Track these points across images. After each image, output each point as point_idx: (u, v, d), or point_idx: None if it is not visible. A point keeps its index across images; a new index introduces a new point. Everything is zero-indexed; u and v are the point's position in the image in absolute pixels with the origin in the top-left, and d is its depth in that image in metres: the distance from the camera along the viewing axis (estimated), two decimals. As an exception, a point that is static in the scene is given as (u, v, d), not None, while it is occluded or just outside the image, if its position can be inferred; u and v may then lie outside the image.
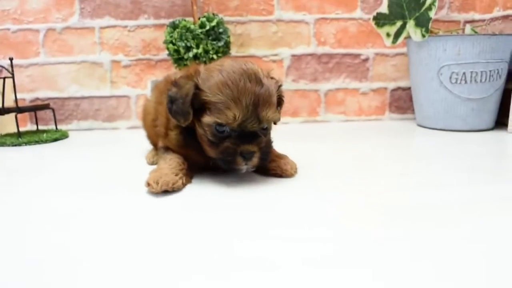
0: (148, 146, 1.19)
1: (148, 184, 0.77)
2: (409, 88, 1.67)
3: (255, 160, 0.78)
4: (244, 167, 0.79)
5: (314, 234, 0.57)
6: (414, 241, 0.54)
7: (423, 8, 1.35)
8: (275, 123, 0.87)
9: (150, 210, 0.70)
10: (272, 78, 0.83)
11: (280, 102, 0.87)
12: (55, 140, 1.43)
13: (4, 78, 1.39)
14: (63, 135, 1.48)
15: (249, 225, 0.61)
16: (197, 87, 0.78)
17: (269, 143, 0.83)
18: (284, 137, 0.88)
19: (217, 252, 0.52)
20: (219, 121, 0.76)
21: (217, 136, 0.78)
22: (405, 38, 1.43)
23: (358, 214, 0.65)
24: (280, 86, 0.85)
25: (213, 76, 0.77)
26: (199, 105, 0.79)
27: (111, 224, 0.63)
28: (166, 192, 0.77)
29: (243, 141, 0.77)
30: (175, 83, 0.82)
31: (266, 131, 0.81)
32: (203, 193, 0.78)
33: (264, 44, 1.63)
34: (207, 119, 0.77)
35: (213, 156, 0.81)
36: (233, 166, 0.79)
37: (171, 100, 0.81)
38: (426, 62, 1.40)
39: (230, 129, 0.77)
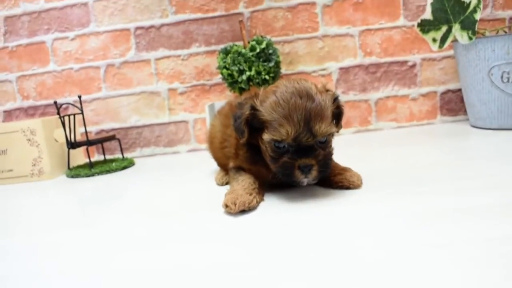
0: (211, 167, 1.26)
1: (226, 206, 0.82)
2: (459, 90, 1.68)
3: (314, 173, 0.82)
4: (304, 180, 0.83)
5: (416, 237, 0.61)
6: (494, 241, 0.57)
7: (468, 11, 1.37)
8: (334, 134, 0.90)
9: (232, 229, 0.75)
10: (328, 91, 0.87)
11: (339, 113, 0.90)
12: (124, 168, 1.53)
13: (74, 115, 1.50)
14: (130, 163, 1.58)
15: (333, 236, 0.66)
16: (254, 108, 0.85)
17: (328, 155, 0.86)
18: (339, 148, 0.92)
19: (314, 260, 0.57)
20: (275, 138, 0.82)
21: (276, 152, 0.84)
22: (452, 41, 1.44)
23: (441, 218, 0.67)
24: (336, 98, 0.88)
25: (269, 97, 0.84)
26: (258, 124, 0.86)
27: (199, 244, 0.69)
28: (242, 211, 0.82)
29: (300, 155, 0.81)
30: (239, 104, 0.90)
31: (325, 144, 0.84)
32: (277, 210, 0.82)
33: (312, 60, 1.68)
34: (266, 136, 0.84)
35: (274, 170, 0.87)
36: (293, 179, 0.83)
37: (234, 119, 0.89)
38: (475, 63, 1.41)
39: (287, 144, 0.82)
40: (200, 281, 0.55)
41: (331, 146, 0.88)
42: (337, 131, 0.90)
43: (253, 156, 0.93)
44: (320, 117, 0.81)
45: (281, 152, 0.84)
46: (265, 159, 0.89)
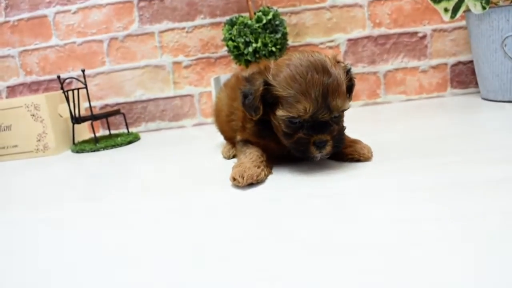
0: (218, 141, 1.24)
1: (234, 179, 0.80)
2: (470, 62, 1.64)
3: (328, 148, 0.81)
4: (318, 155, 0.81)
5: (417, 213, 0.60)
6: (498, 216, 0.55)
7: (482, -21, 1.32)
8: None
9: (240, 203, 0.73)
10: (338, 62, 0.84)
11: (351, 85, 0.88)
12: (129, 143, 1.51)
13: (78, 89, 1.48)
14: (136, 138, 1.56)
15: (343, 210, 0.64)
16: (267, 83, 0.81)
17: (342, 130, 0.84)
18: (346, 121, 0.90)
19: (316, 235, 0.56)
20: (291, 114, 0.79)
21: (290, 127, 0.82)
22: (464, 11, 1.40)
23: (452, 192, 0.66)
24: (349, 70, 0.86)
25: (282, 71, 0.80)
26: (272, 99, 0.82)
27: (206, 218, 0.68)
28: (251, 184, 0.81)
29: (315, 131, 0.79)
30: (247, 79, 0.86)
31: (338, 118, 0.82)
32: (286, 183, 0.81)
33: (320, 31, 1.64)
34: (280, 112, 0.81)
35: (287, 145, 0.85)
36: (307, 155, 0.82)
37: (244, 95, 0.85)
38: (488, 34, 1.37)
39: (303, 120, 0.80)
40: (207, 255, 0.54)
41: (343, 120, 0.86)
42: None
43: (261, 130, 0.90)
44: (337, 92, 0.78)
45: (296, 128, 0.81)
46: (277, 134, 0.87)
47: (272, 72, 0.82)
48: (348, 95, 0.87)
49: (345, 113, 0.86)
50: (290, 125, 0.81)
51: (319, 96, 0.77)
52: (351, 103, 0.89)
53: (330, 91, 0.77)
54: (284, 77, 0.79)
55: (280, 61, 0.84)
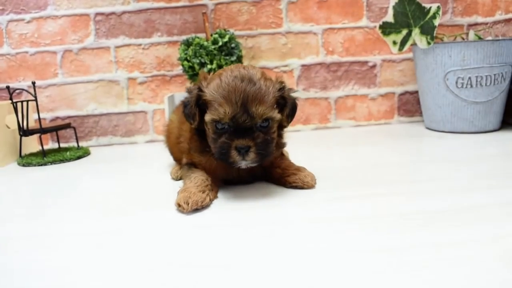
0: (168, 159, 1.24)
1: (179, 205, 0.82)
2: (416, 92, 1.72)
3: (251, 155, 0.83)
4: (242, 162, 0.84)
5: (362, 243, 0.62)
6: (439, 247, 0.59)
7: (428, 17, 1.40)
8: (283, 126, 0.94)
9: (183, 227, 0.74)
10: (280, 82, 0.90)
11: (285, 104, 0.91)
12: (78, 157, 1.48)
13: (28, 101, 1.45)
14: (86, 153, 1.54)
15: (282, 238, 0.66)
16: (201, 90, 0.88)
17: (269, 140, 0.86)
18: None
19: (260, 263, 0.57)
20: (214, 117, 0.84)
21: (216, 133, 0.86)
22: (411, 44, 1.47)
23: (389, 223, 0.69)
24: (282, 88, 0.89)
25: (214, 79, 0.86)
26: (203, 106, 0.88)
27: (149, 244, 0.68)
28: (196, 209, 0.82)
29: (237, 136, 0.83)
30: (188, 91, 0.92)
31: (267, 128, 0.86)
32: (231, 208, 0.83)
33: (275, 55, 1.69)
34: (207, 117, 0.86)
35: (213, 151, 0.88)
36: (229, 160, 0.84)
37: (184, 105, 0.91)
38: (432, 68, 1.44)
39: (227, 125, 0.84)
40: (149, 281, 0.54)
41: (274, 132, 0.89)
42: (285, 124, 0.93)
43: (205, 146, 0.93)
44: (258, 100, 0.83)
45: (220, 133, 0.85)
46: (209, 143, 0.90)
47: (207, 81, 0.88)
48: (285, 112, 0.91)
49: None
50: (216, 130, 0.86)
51: (239, 101, 0.81)
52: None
53: (250, 98, 0.82)
54: (213, 85, 0.85)
55: (218, 71, 0.90)
